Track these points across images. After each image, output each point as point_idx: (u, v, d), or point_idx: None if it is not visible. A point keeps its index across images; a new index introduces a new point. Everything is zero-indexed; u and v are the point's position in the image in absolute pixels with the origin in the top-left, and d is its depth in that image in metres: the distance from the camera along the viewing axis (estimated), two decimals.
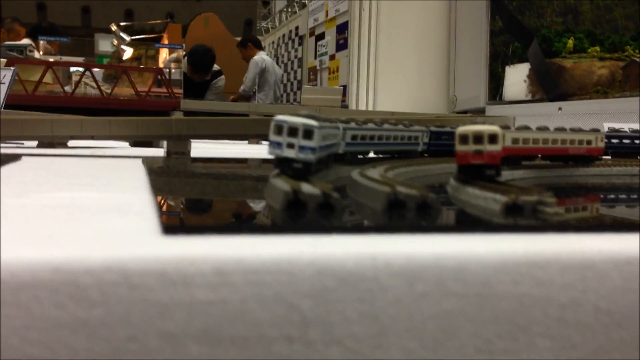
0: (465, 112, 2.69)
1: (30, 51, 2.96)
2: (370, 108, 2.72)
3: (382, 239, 0.30)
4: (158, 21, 5.46)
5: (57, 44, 4.25)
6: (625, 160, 0.87)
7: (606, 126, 1.31)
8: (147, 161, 0.83)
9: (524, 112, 2.19)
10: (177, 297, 0.25)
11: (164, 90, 3.29)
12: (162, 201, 0.39)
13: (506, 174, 0.69)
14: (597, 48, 2.19)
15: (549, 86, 2.10)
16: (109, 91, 2.73)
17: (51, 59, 3.79)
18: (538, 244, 0.30)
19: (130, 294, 0.24)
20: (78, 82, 2.08)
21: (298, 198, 0.37)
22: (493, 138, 0.47)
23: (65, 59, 4.27)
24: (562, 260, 0.30)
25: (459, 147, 0.47)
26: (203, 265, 0.25)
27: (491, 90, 2.56)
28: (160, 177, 0.58)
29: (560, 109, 1.93)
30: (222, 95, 4.20)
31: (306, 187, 0.38)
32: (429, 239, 0.30)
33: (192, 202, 0.42)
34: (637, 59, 1.90)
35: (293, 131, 0.44)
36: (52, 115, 1.12)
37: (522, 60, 2.38)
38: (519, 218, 0.39)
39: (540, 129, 0.75)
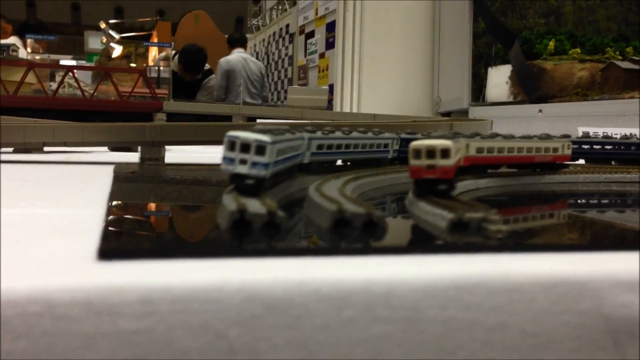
0: (449, 113, 2.70)
1: (14, 50, 2.95)
2: (355, 107, 2.72)
3: (312, 263, 0.30)
4: (148, 19, 5.45)
5: (45, 42, 4.23)
6: (594, 167, 0.88)
7: (580, 130, 1.32)
8: (117, 169, 0.84)
9: (505, 114, 2.20)
10: (102, 327, 0.25)
11: (158, 90, 3.28)
12: (111, 219, 0.40)
13: (470, 183, 0.69)
14: (578, 50, 2.20)
15: (530, 88, 2.11)
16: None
17: (38, 57, 3.78)
18: (467, 267, 0.31)
19: (54, 325, 0.24)
20: (60, 84, 2.07)
21: (244, 217, 0.38)
22: (445, 153, 0.47)
23: (53, 57, 4.25)
24: (489, 283, 0.30)
25: (412, 162, 0.48)
26: (129, 294, 0.26)
27: (474, 92, 2.57)
28: (122, 190, 0.58)
29: (540, 111, 1.95)
30: (213, 95, 4.21)
31: (253, 206, 0.39)
32: (360, 262, 0.31)
33: (141, 221, 0.43)
34: (616, 62, 1.91)
35: (245, 147, 0.44)
36: (26, 121, 1.12)
37: (504, 61, 2.39)
38: (464, 235, 0.39)
39: (507, 137, 0.76)
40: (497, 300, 0.30)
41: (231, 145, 0.44)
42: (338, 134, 0.73)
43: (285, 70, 6.12)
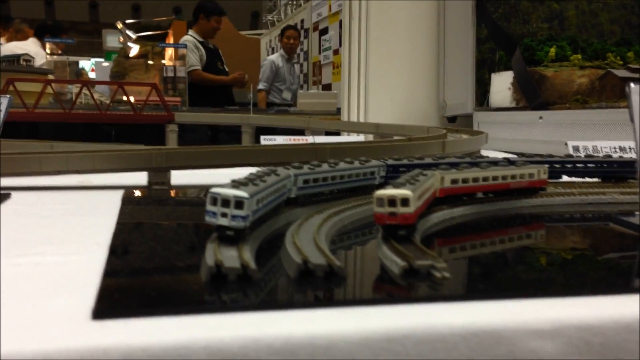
0: (455, 117, 2.75)
1: (27, 61, 3.03)
2: (362, 110, 2.77)
3: (266, 318, 0.36)
4: (163, 18, 5.55)
5: (63, 44, 4.35)
6: (570, 189, 0.93)
7: (570, 145, 1.37)
8: (125, 197, 0.91)
9: (507, 120, 2.25)
10: None
11: (170, 98, 3.37)
12: (108, 272, 0.46)
13: (445, 213, 0.75)
14: (579, 56, 2.24)
15: (531, 95, 2.15)
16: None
17: (57, 58, 3.88)
18: (397, 319, 0.37)
19: None
20: (75, 99, 2.15)
21: (220, 271, 0.44)
22: (405, 202, 0.53)
23: (72, 58, 4.34)
24: (416, 334, 0.36)
25: (376, 209, 0.54)
26: (114, 353, 0.32)
27: (479, 97, 2.61)
28: (124, 230, 0.65)
29: (541, 117, 1.99)
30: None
31: (229, 260, 0.45)
32: (307, 316, 0.37)
33: (135, 272, 0.49)
34: (613, 70, 1.95)
35: (226, 202, 0.50)
36: (41, 148, 1.20)
37: (507, 67, 2.44)
38: (415, 280, 0.45)
39: (483, 167, 0.81)
40: (422, 349, 0.36)
41: (213, 201, 0.51)
42: (324, 167, 0.79)
43: (301, 65, 6.19)
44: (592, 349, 0.38)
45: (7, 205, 0.84)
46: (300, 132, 2.17)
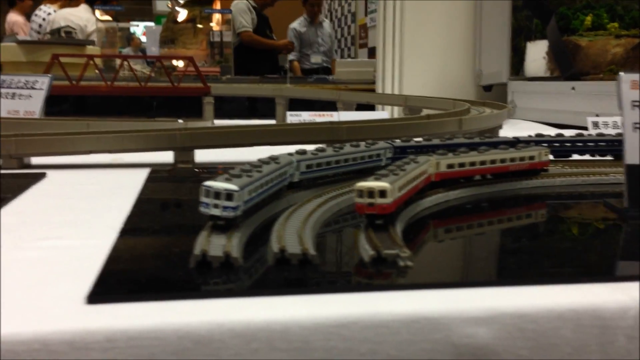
0: (490, 86, 2.74)
1: (68, 33, 3.12)
2: (397, 79, 2.78)
3: (231, 305, 0.42)
4: None
5: (113, 11, 4.45)
6: (574, 170, 0.96)
7: (590, 120, 1.38)
8: (151, 175, 0.98)
9: (541, 90, 2.24)
10: (81, 358, 0.38)
11: (208, 69, 3.43)
12: (110, 258, 0.53)
13: (441, 196, 0.79)
14: (616, 24, 2.21)
15: (564, 65, 2.14)
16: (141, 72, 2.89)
17: (106, 24, 3.98)
18: (348, 306, 0.42)
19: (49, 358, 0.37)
20: (116, 73, 2.24)
21: (205, 259, 0.50)
22: (383, 193, 0.58)
23: (122, 25, 4.45)
24: (363, 320, 0.41)
25: (357, 200, 0.59)
26: (98, 335, 0.38)
27: (514, 65, 2.60)
28: (139, 213, 0.72)
29: (573, 88, 1.99)
30: None
31: (214, 249, 0.51)
32: (267, 303, 0.42)
33: (137, 258, 0.55)
34: None
35: (217, 195, 0.56)
36: (76, 128, 1.28)
37: (544, 36, 2.41)
38: (383, 268, 0.51)
39: (482, 151, 0.85)
40: (368, 333, 0.41)
41: (207, 193, 0.56)
42: (329, 151, 0.84)
43: (349, 27, 6.18)
44: (525, 335, 0.43)
45: (40, 185, 0.92)
46: (332, 104, 2.21)
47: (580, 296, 0.45)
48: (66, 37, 3.11)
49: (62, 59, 2.16)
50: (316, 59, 5.02)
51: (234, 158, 1.16)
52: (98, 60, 2.82)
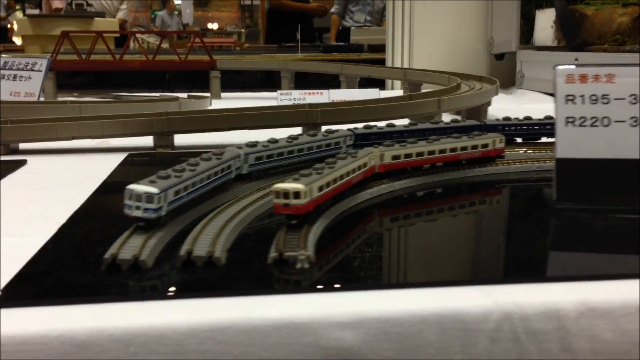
0: (502, 55, 2.72)
1: (79, 5, 3.17)
2: (407, 47, 2.77)
3: (111, 309, 0.46)
4: None
5: None
6: (532, 155, 0.97)
7: None
8: (127, 159, 1.03)
9: (547, 60, 2.22)
10: None
11: (221, 39, 3.46)
12: (37, 256, 0.57)
13: (386, 187, 0.82)
14: None
15: (569, 34, 2.11)
16: (165, 45, 2.93)
17: None
18: (221, 311, 0.46)
19: None
20: (125, 48, 2.28)
21: (115, 262, 0.54)
22: (297, 194, 0.61)
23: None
24: (236, 325, 0.45)
25: (275, 200, 0.62)
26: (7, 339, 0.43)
27: (525, 34, 2.57)
28: (93, 204, 0.76)
29: (576, 59, 1.97)
30: None
31: (125, 252, 0.55)
32: (144, 307, 0.46)
33: (64, 257, 0.59)
34: None
35: (138, 197, 0.60)
36: (67, 111, 1.33)
37: (553, 4, 2.38)
38: (285, 268, 0.54)
39: (431, 140, 0.87)
40: (240, 338, 0.45)
41: (129, 196, 0.60)
42: (281, 142, 0.87)
43: None
44: (390, 338, 0.46)
45: (16, 174, 0.97)
46: (335, 77, 2.22)
47: (443, 300, 0.47)
48: (76, 9, 3.16)
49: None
50: (359, 17, 4.79)
51: (217, 141, 1.20)
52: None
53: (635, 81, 0.72)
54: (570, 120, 0.73)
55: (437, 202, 0.82)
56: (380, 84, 2.75)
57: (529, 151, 1.01)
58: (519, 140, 1.09)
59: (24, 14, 3.11)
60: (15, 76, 1.65)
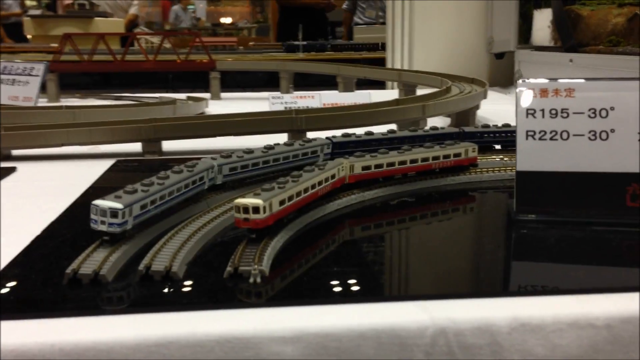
0: (502, 54, 2.72)
1: (82, 5, 3.20)
2: (407, 45, 2.78)
3: (63, 324, 0.48)
4: None
5: None
6: (505, 164, 0.99)
7: None
8: (115, 165, 1.06)
9: (543, 60, 2.23)
10: None
11: (224, 39, 3.49)
12: (9, 266, 0.60)
13: (356, 197, 0.84)
14: None
15: (565, 35, 2.12)
16: (168, 45, 2.96)
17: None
18: (167, 326, 0.48)
19: None
20: (126, 50, 2.31)
21: (76, 276, 0.56)
22: (256, 210, 0.63)
23: None
24: (180, 340, 0.48)
25: (236, 215, 0.64)
26: None
27: (524, 33, 2.58)
28: (70, 215, 0.79)
29: (571, 60, 1.98)
30: None
31: (85, 267, 0.57)
32: (95, 322, 0.49)
33: (35, 269, 0.62)
34: None
35: (103, 212, 0.62)
36: (60, 117, 1.36)
37: (550, 4, 2.38)
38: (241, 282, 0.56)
39: (402, 151, 0.89)
40: (184, 352, 0.47)
41: (95, 210, 0.63)
42: (256, 152, 0.89)
43: None
44: (329, 352, 0.48)
45: (4, 182, 1.00)
46: (332, 78, 2.24)
47: (381, 316, 0.50)
48: (79, 10, 3.19)
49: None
50: (370, 14, 4.72)
51: (201, 147, 1.23)
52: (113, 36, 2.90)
53: (594, 95, 0.74)
54: (531, 134, 0.75)
55: (398, 213, 0.83)
56: (381, 84, 2.77)
57: (505, 158, 1.03)
58: (497, 147, 1.11)
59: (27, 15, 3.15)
60: (14, 81, 1.68)
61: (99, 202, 0.63)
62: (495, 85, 2.56)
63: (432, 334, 0.49)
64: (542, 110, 0.74)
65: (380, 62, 2.92)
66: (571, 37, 2.10)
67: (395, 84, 2.27)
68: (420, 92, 1.86)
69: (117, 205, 0.62)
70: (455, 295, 0.53)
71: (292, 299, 0.53)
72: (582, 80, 0.75)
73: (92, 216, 0.63)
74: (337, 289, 0.55)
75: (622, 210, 0.72)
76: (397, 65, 2.73)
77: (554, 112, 0.74)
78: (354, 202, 0.83)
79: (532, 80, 0.76)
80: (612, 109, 0.73)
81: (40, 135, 1.16)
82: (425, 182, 0.91)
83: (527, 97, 0.75)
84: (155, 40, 3.10)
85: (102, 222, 0.63)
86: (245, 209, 0.64)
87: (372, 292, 0.55)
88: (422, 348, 0.49)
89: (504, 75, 2.73)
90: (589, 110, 0.73)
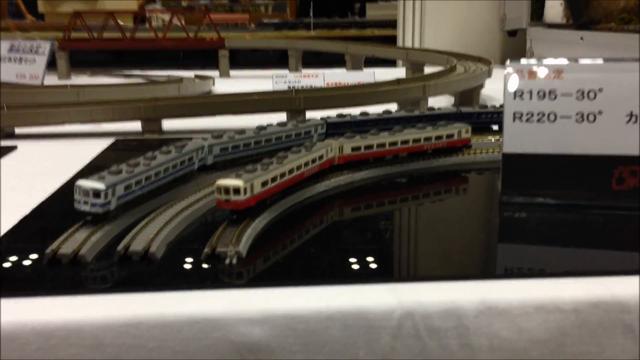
0: (515, 31, 2.69)
1: None
2: (418, 21, 2.75)
3: (37, 304, 0.49)
4: None
5: None
6: (497, 145, 0.98)
7: None
8: (113, 144, 1.07)
9: (555, 38, 2.20)
10: None
11: (235, 16, 3.47)
12: None
13: (345, 178, 0.84)
14: None
15: (576, 12, 2.09)
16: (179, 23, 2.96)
17: None
18: (136, 306, 0.49)
19: None
20: (135, 28, 2.32)
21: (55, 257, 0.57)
22: (237, 191, 0.64)
23: None
24: (150, 320, 0.48)
25: (216, 196, 0.65)
26: None
27: (537, 10, 2.55)
28: (60, 195, 0.80)
29: (582, 38, 1.95)
30: None
31: (66, 247, 0.58)
32: (66, 302, 0.50)
33: (20, 249, 0.63)
34: None
35: (86, 192, 0.63)
36: (65, 97, 1.37)
37: None
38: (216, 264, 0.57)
39: (394, 131, 0.89)
40: (154, 332, 0.48)
41: (78, 191, 0.64)
42: (248, 133, 0.90)
43: None
44: (296, 334, 0.49)
45: (4, 160, 1.01)
46: (339, 56, 2.23)
47: (349, 298, 0.50)
48: None
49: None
50: None
51: (207, 125, 1.23)
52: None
53: (582, 77, 0.73)
54: (518, 115, 0.74)
55: (384, 194, 0.84)
56: (392, 62, 2.75)
57: (500, 139, 1.02)
58: (495, 127, 1.10)
59: None
60: (20, 59, 1.69)
61: (82, 182, 0.64)
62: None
63: (399, 317, 0.49)
64: (530, 91, 0.74)
65: (393, 40, 2.90)
66: (582, 14, 2.07)
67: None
68: (427, 70, 1.85)
69: (100, 185, 0.63)
70: (425, 278, 0.53)
71: (264, 280, 0.54)
72: (572, 61, 0.74)
73: (76, 196, 0.64)
74: (311, 271, 0.56)
75: (608, 193, 0.72)
76: (408, 44, 2.71)
77: (541, 93, 0.73)
78: (343, 184, 0.83)
79: (520, 62, 0.75)
80: (600, 90, 0.72)
81: (41, 114, 1.17)
82: (417, 163, 0.91)
83: (515, 79, 0.75)
84: (168, 17, 3.10)
85: (85, 203, 0.63)
86: (227, 190, 0.64)
87: (342, 275, 0.55)
88: (389, 330, 0.49)
89: (517, 53, 2.70)
90: (577, 91, 0.73)
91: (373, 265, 0.57)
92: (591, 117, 0.72)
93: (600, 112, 0.72)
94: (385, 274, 0.55)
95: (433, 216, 0.77)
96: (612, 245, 0.63)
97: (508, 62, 0.76)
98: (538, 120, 0.73)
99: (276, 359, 0.49)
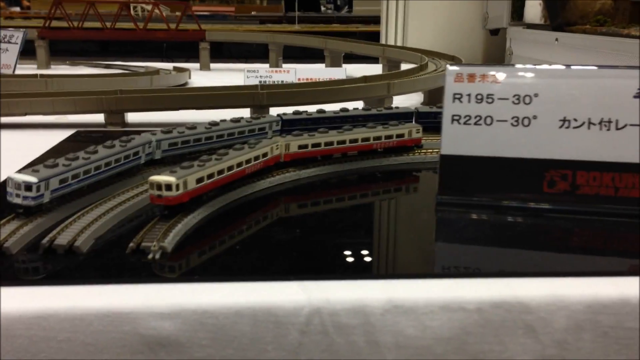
0: (497, 30, 2.70)
1: None
2: (401, 18, 2.76)
3: None
4: None
5: None
6: None
7: None
8: (74, 135, 1.08)
9: (533, 39, 2.21)
10: None
11: (222, 8, 3.47)
12: None
13: (292, 175, 0.85)
14: None
15: (553, 13, 2.10)
16: (166, 12, 2.95)
17: None
18: (47, 300, 0.50)
19: None
20: (116, 18, 2.32)
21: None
22: (169, 187, 0.65)
23: None
24: (59, 313, 0.49)
25: (150, 191, 0.66)
26: None
27: (518, 9, 2.56)
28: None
29: (556, 39, 1.96)
30: None
31: (9, 243, 0.59)
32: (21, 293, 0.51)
33: None
34: None
35: (18, 185, 0.64)
36: (31, 87, 1.37)
37: None
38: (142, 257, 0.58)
39: (343, 130, 0.90)
40: (64, 325, 0.49)
41: (10, 184, 0.65)
42: (199, 128, 0.90)
43: None
44: (206, 328, 0.50)
45: None
46: (320, 51, 2.24)
47: (258, 295, 0.51)
48: None
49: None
50: None
51: (167, 120, 1.24)
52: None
53: (519, 82, 0.74)
54: (456, 118, 0.75)
55: (324, 193, 0.84)
56: (375, 59, 2.76)
57: None
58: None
59: None
60: None
61: (14, 175, 0.65)
62: (491, 62, 2.55)
63: (308, 313, 0.50)
64: (469, 95, 0.75)
65: (378, 37, 2.91)
66: (559, 15, 2.08)
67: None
68: (404, 67, 1.86)
69: (31, 179, 0.64)
70: (336, 276, 0.55)
71: (181, 276, 0.55)
72: (509, 67, 0.75)
73: (8, 189, 0.65)
74: (228, 268, 0.57)
75: (539, 196, 0.73)
76: (391, 41, 2.71)
77: (479, 97, 0.75)
78: (288, 180, 0.84)
79: (460, 66, 0.76)
80: (536, 95, 0.73)
81: (3, 104, 1.17)
82: (365, 162, 0.92)
83: (454, 82, 0.76)
84: (148, 8, 3.10)
85: (17, 195, 0.64)
86: (159, 186, 0.65)
87: (259, 271, 0.56)
88: (297, 327, 0.50)
89: (499, 52, 2.71)
90: (514, 96, 0.74)
91: (285, 263, 0.58)
92: (526, 121, 0.73)
93: (535, 117, 0.73)
94: (299, 272, 0.56)
95: (366, 215, 0.78)
96: (529, 246, 0.65)
97: (448, 66, 0.77)
98: (475, 123, 0.74)
99: (185, 353, 0.50)
